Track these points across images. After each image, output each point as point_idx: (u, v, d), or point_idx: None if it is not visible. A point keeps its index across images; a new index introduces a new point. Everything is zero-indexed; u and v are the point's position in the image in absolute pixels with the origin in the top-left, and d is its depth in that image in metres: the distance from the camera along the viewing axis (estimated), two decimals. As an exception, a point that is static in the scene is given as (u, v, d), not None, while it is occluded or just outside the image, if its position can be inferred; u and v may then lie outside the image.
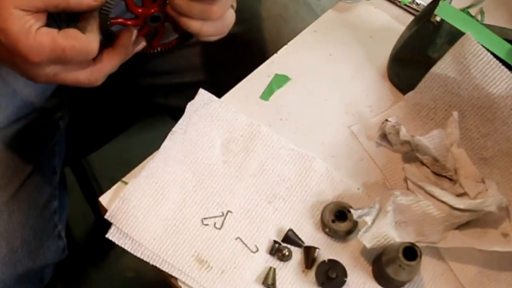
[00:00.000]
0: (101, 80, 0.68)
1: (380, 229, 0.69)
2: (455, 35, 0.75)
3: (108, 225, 0.72)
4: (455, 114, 0.74)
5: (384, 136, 0.78)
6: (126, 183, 0.74)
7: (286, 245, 0.71)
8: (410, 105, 0.80)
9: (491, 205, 0.69)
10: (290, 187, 0.75)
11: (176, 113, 0.79)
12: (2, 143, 0.85)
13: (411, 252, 0.66)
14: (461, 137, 0.75)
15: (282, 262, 0.71)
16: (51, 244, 0.92)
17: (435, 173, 0.76)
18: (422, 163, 0.76)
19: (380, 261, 0.68)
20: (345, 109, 0.82)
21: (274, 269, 0.70)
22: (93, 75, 0.67)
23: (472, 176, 0.74)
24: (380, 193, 0.75)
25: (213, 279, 0.69)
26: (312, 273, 0.70)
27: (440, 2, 0.75)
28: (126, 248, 0.71)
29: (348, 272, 0.70)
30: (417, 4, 0.90)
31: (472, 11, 0.82)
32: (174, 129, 0.77)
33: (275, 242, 0.71)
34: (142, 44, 0.71)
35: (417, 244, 0.66)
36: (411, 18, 0.84)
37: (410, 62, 0.81)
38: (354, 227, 0.72)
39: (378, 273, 0.70)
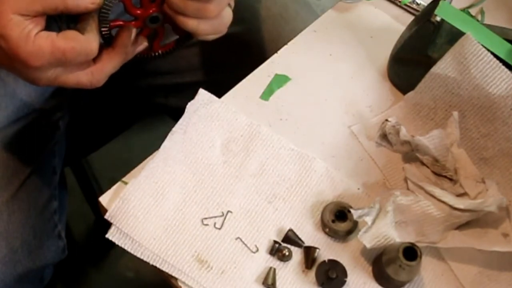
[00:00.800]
0: (103, 81, 0.68)
1: (380, 229, 0.69)
2: (455, 35, 0.75)
3: (108, 225, 0.72)
4: (455, 114, 0.74)
5: (384, 136, 0.78)
6: (126, 183, 0.74)
7: (286, 245, 0.71)
8: (410, 105, 0.80)
9: (491, 205, 0.69)
10: (290, 187, 0.75)
11: (176, 113, 0.79)
12: (2, 143, 0.85)
13: (411, 252, 0.66)
14: (461, 137, 0.75)
15: (282, 262, 0.71)
16: (51, 244, 0.92)
17: (435, 173, 0.76)
18: (422, 163, 0.76)
19: (380, 261, 0.68)
20: (345, 109, 0.82)
21: (274, 269, 0.70)
22: (95, 76, 0.67)
23: (472, 176, 0.74)
24: (380, 193, 0.75)
25: (213, 279, 0.69)
26: (312, 273, 0.70)
27: (440, 2, 0.75)
28: (126, 248, 0.71)
29: (348, 272, 0.70)
30: (417, 4, 0.90)
31: (472, 11, 0.82)
32: (174, 129, 0.77)
33: (275, 242, 0.71)
34: (144, 44, 0.71)
35: (417, 244, 0.66)
36: (411, 18, 0.84)
37: (410, 62, 0.81)
38: (354, 227, 0.72)
39: (378, 273, 0.70)
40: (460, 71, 0.74)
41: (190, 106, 0.79)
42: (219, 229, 0.72)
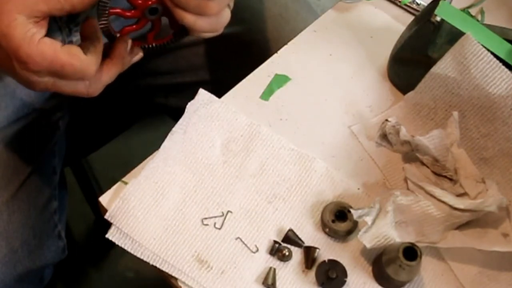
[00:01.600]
0: (99, 91, 0.68)
1: (380, 229, 0.69)
2: (455, 35, 0.75)
3: (108, 225, 0.72)
4: (455, 114, 0.74)
5: (384, 136, 0.78)
6: (126, 183, 0.74)
7: (286, 245, 0.71)
8: (410, 105, 0.80)
9: (491, 205, 0.69)
10: (290, 187, 0.75)
11: (176, 113, 0.79)
12: (2, 143, 0.85)
13: (411, 252, 0.66)
14: (461, 137, 0.75)
15: (282, 262, 0.71)
16: (51, 244, 0.92)
17: (435, 173, 0.76)
18: (422, 163, 0.76)
19: (380, 261, 0.68)
20: (345, 109, 0.82)
21: (274, 269, 0.70)
22: (92, 85, 0.67)
23: (472, 176, 0.74)
24: (380, 193, 0.75)
25: (213, 279, 0.69)
26: (312, 273, 0.70)
27: (440, 2, 0.75)
28: (126, 248, 0.71)
29: (348, 272, 0.70)
30: (417, 4, 0.90)
31: (472, 11, 0.82)
32: (174, 129, 0.77)
33: (275, 242, 0.71)
34: (139, 55, 0.71)
35: (417, 244, 0.66)
36: (411, 18, 0.84)
37: (410, 62, 0.81)
38: (354, 227, 0.72)
39: (378, 273, 0.70)
40: (460, 71, 0.74)
41: (190, 106, 0.79)
42: (219, 229, 0.72)
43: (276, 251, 0.71)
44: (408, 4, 0.90)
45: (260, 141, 0.78)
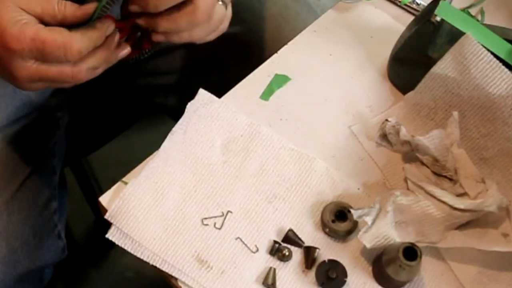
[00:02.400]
0: (85, 75, 0.66)
1: (380, 229, 0.69)
2: (455, 35, 0.75)
3: (108, 225, 0.72)
4: (455, 114, 0.74)
5: (384, 136, 0.78)
6: (126, 183, 0.74)
7: (286, 245, 0.71)
8: (410, 105, 0.80)
9: (491, 205, 0.69)
10: (290, 187, 0.75)
11: (176, 113, 0.79)
12: (2, 143, 0.85)
13: (411, 252, 0.66)
14: (461, 137, 0.75)
15: (282, 262, 0.71)
16: (51, 244, 0.92)
17: (435, 173, 0.76)
18: (422, 163, 0.76)
19: (380, 261, 0.68)
20: (345, 109, 0.82)
21: (274, 269, 0.70)
22: (77, 66, 0.65)
23: (472, 176, 0.74)
24: (380, 193, 0.75)
25: (213, 279, 0.69)
26: (312, 273, 0.70)
27: (440, 2, 0.75)
28: (126, 248, 0.71)
29: (348, 272, 0.70)
30: (417, 4, 0.90)
31: (472, 11, 0.82)
32: (174, 129, 0.77)
33: (275, 242, 0.71)
34: (127, 49, 0.70)
35: (417, 244, 0.66)
36: (411, 18, 0.84)
37: (410, 62, 0.81)
38: (354, 227, 0.72)
39: (378, 273, 0.70)
40: (460, 71, 0.74)
41: (190, 106, 0.79)
42: (219, 229, 0.72)
43: (276, 251, 0.71)
44: (408, 4, 0.90)
45: (260, 141, 0.78)
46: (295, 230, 0.72)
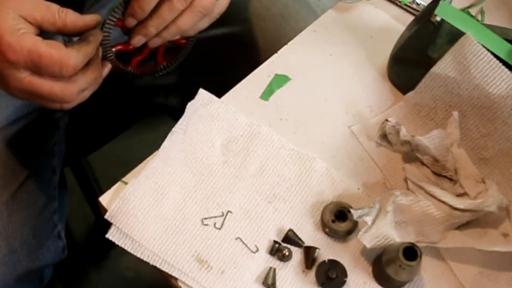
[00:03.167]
0: (75, 98, 0.68)
1: (380, 229, 0.69)
2: (455, 35, 0.75)
3: (108, 225, 0.72)
4: (455, 114, 0.74)
5: (384, 136, 0.77)
6: (126, 183, 0.74)
7: (286, 245, 0.71)
8: (410, 105, 0.80)
9: (491, 205, 0.69)
10: (290, 187, 0.75)
11: (176, 113, 0.79)
12: (2, 143, 0.85)
13: (411, 252, 0.66)
14: (461, 137, 0.75)
15: (282, 262, 0.71)
16: (51, 244, 0.91)
17: (435, 173, 0.76)
18: (422, 163, 0.76)
19: (380, 261, 0.68)
20: (345, 109, 0.82)
21: (274, 269, 0.70)
22: (68, 87, 0.66)
23: (472, 176, 0.74)
24: (380, 193, 0.75)
25: (213, 279, 0.69)
26: (312, 273, 0.70)
27: (440, 2, 0.75)
28: (126, 248, 0.71)
29: (348, 272, 0.70)
30: (417, 4, 0.90)
31: (472, 11, 0.82)
32: (174, 129, 0.77)
33: (275, 242, 0.71)
34: (108, 66, 0.73)
35: (417, 244, 0.66)
36: (411, 18, 0.84)
37: (410, 62, 0.81)
38: (354, 227, 0.72)
39: (378, 273, 0.70)
40: (460, 71, 0.74)
41: (190, 106, 0.79)
42: (219, 229, 0.72)
43: (276, 251, 0.71)
44: (408, 4, 0.90)
45: (260, 141, 0.78)
46: (295, 230, 0.72)
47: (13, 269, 0.84)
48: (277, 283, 0.70)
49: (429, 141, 0.73)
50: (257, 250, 0.71)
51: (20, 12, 0.62)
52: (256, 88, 0.83)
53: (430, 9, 0.77)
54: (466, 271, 0.71)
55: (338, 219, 0.72)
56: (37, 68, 0.63)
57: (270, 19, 0.96)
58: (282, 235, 0.72)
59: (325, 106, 0.82)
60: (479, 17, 0.84)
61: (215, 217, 0.73)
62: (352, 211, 0.70)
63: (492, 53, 0.73)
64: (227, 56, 0.97)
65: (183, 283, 0.70)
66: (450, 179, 0.75)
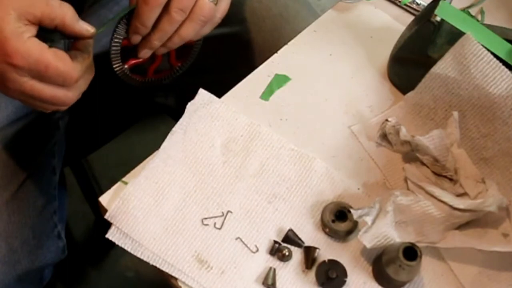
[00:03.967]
0: (76, 99, 0.69)
1: (380, 229, 0.69)
2: (455, 35, 0.75)
3: (108, 225, 0.72)
4: (455, 114, 0.74)
5: (384, 136, 0.78)
6: (126, 183, 0.74)
7: (286, 245, 0.71)
8: (410, 105, 0.80)
9: (491, 205, 0.69)
10: (290, 187, 0.75)
11: (176, 113, 0.79)
12: (2, 143, 0.85)
13: (411, 252, 0.66)
14: (461, 137, 0.75)
15: (282, 262, 0.71)
16: (51, 244, 0.92)
17: (435, 173, 0.76)
18: (422, 163, 0.76)
19: (380, 261, 0.68)
20: (345, 109, 0.82)
21: (274, 269, 0.70)
22: (69, 93, 0.67)
23: (472, 176, 0.74)
24: (380, 193, 0.75)
25: (213, 279, 0.69)
26: (312, 273, 0.70)
27: (440, 2, 0.75)
28: (126, 248, 0.71)
29: (348, 272, 0.70)
30: (417, 4, 0.90)
31: (472, 11, 0.82)
32: (174, 129, 0.77)
33: (275, 242, 0.71)
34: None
35: (417, 244, 0.66)
36: (411, 18, 0.84)
37: (410, 62, 0.81)
38: (354, 227, 0.72)
39: (378, 273, 0.70)
40: (460, 71, 0.74)
41: (190, 106, 0.79)
42: (219, 229, 0.72)
43: (276, 251, 0.71)
44: (408, 4, 0.90)
45: (260, 141, 0.78)
46: (295, 230, 0.72)
47: (13, 269, 0.84)
48: (277, 283, 0.70)
49: (429, 141, 0.73)
50: (257, 250, 0.71)
51: (21, 10, 0.62)
52: (256, 88, 0.83)
53: (430, 9, 0.77)
54: (466, 271, 0.71)
55: (338, 219, 0.72)
56: (41, 76, 0.64)
57: (270, 19, 0.96)
58: (282, 235, 0.72)
59: (325, 106, 0.82)
60: (479, 17, 0.84)
61: (215, 217, 0.73)
62: (352, 211, 0.70)
63: (492, 53, 0.73)
64: (227, 56, 0.97)
65: (183, 283, 0.70)
66: (450, 179, 0.75)
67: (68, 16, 0.65)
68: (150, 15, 0.69)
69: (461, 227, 0.72)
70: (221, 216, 0.73)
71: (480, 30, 0.75)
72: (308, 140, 0.79)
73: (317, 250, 0.71)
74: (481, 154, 0.76)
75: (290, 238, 0.72)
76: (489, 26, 0.76)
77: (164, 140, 0.76)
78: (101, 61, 0.74)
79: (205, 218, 0.73)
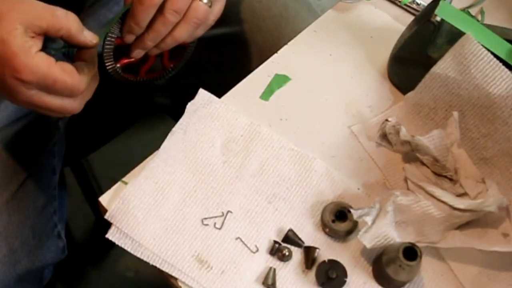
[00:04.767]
0: (82, 107, 0.70)
1: (380, 229, 0.69)
2: (455, 35, 0.75)
3: (108, 225, 0.72)
4: (456, 114, 0.74)
5: (384, 136, 0.78)
6: (126, 183, 0.74)
7: (286, 245, 0.71)
8: (410, 105, 0.80)
9: (491, 205, 0.69)
10: (290, 187, 0.75)
11: (176, 113, 0.79)
12: (2, 143, 0.85)
13: (411, 252, 0.66)
14: (461, 137, 0.75)
15: (282, 262, 0.71)
16: (51, 244, 0.92)
17: (435, 173, 0.76)
18: (422, 163, 0.76)
19: (380, 261, 0.68)
20: (345, 109, 0.82)
21: (274, 269, 0.70)
22: (76, 102, 0.69)
23: (472, 176, 0.74)
24: (380, 193, 0.75)
25: (213, 279, 0.69)
26: (312, 273, 0.70)
27: (440, 2, 0.75)
28: (126, 248, 0.71)
29: (348, 272, 0.70)
30: (417, 4, 0.90)
31: (472, 11, 0.82)
32: (174, 129, 0.77)
33: (275, 242, 0.71)
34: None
35: (417, 244, 0.66)
36: (411, 18, 0.84)
37: (410, 62, 0.81)
38: (354, 227, 0.72)
39: (378, 273, 0.70)
40: (460, 71, 0.74)
41: (190, 106, 0.79)
42: (219, 229, 0.72)
43: (276, 251, 0.71)
44: (408, 4, 0.90)
45: (260, 141, 0.78)
46: (295, 230, 0.72)
47: (13, 269, 0.84)
48: (277, 283, 0.70)
49: (429, 141, 0.73)
50: (257, 250, 0.71)
51: (27, 23, 0.63)
52: (256, 88, 0.83)
53: (430, 9, 0.77)
54: (466, 271, 0.71)
55: (338, 219, 0.72)
56: (49, 90, 0.65)
57: (270, 19, 0.96)
58: (282, 235, 0.72)
59: (325, 106, 0.82)
60: (479, 17, 0.84)
61: (215, 217, 0.73)
62: (352, 211, 0.70)
63: (492, 53, 0.73)
64: (227, 56, 0.97)
65: (183, 283, 0.70)
66: (450, 179, 0.75)
67: (73, 27, 0.66)
68: (144, 15, 0.70)
69: (461, 227, 0.72)
70: (221, 216, 0.73)
71: (480, 30, 0.75)
72: (308, 140, 0.79)
73: (317, 250, 0.71)
74: (481, 154, 0.76)
75: (290, 238, 0.72)
76: (489, 26, 0.76)
77: (164, 140, 0.76)
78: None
79: (205, 218, 0.73)
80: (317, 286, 0.70)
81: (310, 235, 0.73)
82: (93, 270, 1.51)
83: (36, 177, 0.89)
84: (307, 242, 0.72)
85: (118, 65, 0.76)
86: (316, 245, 0.71)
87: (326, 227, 0.72)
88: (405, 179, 0.76)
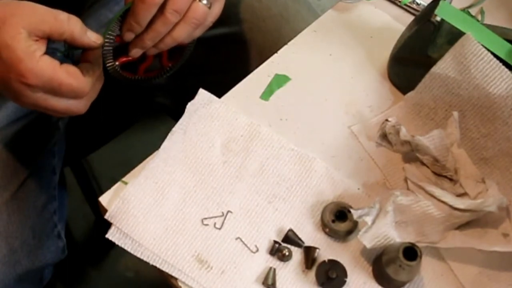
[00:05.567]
0: (87, 108, 0.71)
1: (380, 229, 0.69)
2: (455, 35, 0.75)
3: (108, 225, 0.72)
4: (456, 114, 0.74)
5: (384, 136, 0.78)
6: (126, 183, 0.74)
7: (286, 245, 0.71)
8: (410, 105, 0.80)
9: (491, 205, 0.69)
10: (290, 187, 0.75)
11: (176, 113, 0.79)
12: (2, 143, 0.85)
13: (411, 252, 0.66)
14: (461, 137, 0.75)
15: (282, 262, 0.71)
16: (51, 244, 0.92)
17: (435, 173, 0.76)
18: (422, 163, 0.76)
19: (380, 261, 0.68)
20: (345, 109, 0.82)
21: (274, 269, 0.70)
22: (81, 103, 0.69)
23: (472, 176, 0.74)
24: (380, 193, 0.75)
25: (213, 279, 0.69)
26: (312, 273, 0.70)
27: (441, 2, 0.75)
28: (126, 248, 0.71)
29: (348, 272, 0.70)
30: (417, 4, 0.90)
31: (472, 11, 0.82)
32: (174, 129, 0.77)
33: (275, 242, 0.71)
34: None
35: (417, 244, 0.66)
36: (411, 18, 0.84)
37: (410, 62, 0.81)
38: (354, 227, 0.72)
39: (378, 273, 0.70)
40: (460, 71, 0.74)
41: (190, 106, 0.79)
42: (219, 229, 0.72)
43: (276, 251, 0.71)
44: (408, 4, 0.90)
45: (260, 141, 0.78)
46: (295, 230, 0.72)
47: (13, 269, 0.84)
48: (277, 283, 0.70)
49: (429, 141, 0.73)
50: (257, 250, 0.71)
51: (30, 27, 0.63)
52: (256, 88, 0.83)
53: (430, 9, 0.77)
54: (466, 271, 0.71)
55: (338, 219, 0.72)
56: (55, 93, 0.66)
57: (270, 19, 0.96)
58: (282, 235, 0.72)
59: (325, 106, 0.82)
60: (479, 17, 0.84)
61: (215, 217, 0.73)
62: (352, 211, 0.70)
63: (492, 53, 0.73)
64: (227, 56, 0.97)
65: (183, 283, 0.70)
66: (450, 179, 0.75)
67: (76, 30, 0.66)
68: (145, 14, 0.70)
69: (461, 227, 0.72)
70: (221, 216, 0.73)
71: (480, 30, 0.75)
72: (308, 140, 0.79)
73: (317, 250, 0.71)
74: (481, 154, 0.76)
75: (290, 238, 0.72)
76: (489, 26, 0.76)
77: (164, 140, 0.76)
78: None
79: (205, 218, 0.73)
80: (317, 286, 0.70)
81: (310, 235, 0.73)
82: (93, 270, 1.51)
83: (36, 177, 0.89)
84: (307, 242, 0.72)
85: (117, 63, 0.76)
86: (316, 245, 0.71)
87: (326, 227, 0.72)
88: (405, 179, 0.76)
